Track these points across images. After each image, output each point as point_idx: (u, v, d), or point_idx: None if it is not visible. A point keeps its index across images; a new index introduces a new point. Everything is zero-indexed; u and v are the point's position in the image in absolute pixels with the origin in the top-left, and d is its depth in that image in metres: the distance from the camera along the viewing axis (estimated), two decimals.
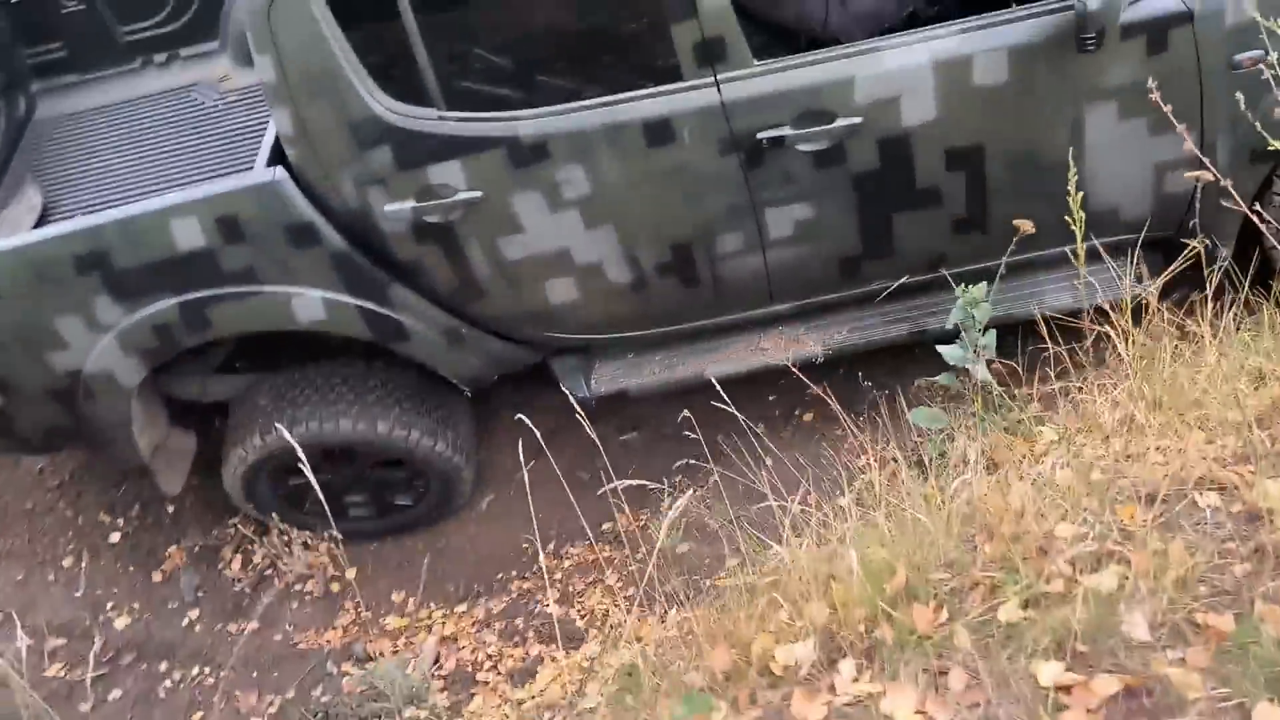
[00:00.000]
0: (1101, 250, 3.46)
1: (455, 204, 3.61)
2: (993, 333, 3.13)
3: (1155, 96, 2.98)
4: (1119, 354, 3.12)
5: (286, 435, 3.44)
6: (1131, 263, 3.65)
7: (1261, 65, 3.27)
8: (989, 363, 3.14)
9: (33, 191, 4.19)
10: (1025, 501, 2.41)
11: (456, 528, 4.60)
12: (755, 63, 3.41)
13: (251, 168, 3.97)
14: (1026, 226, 3.34)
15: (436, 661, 4.22)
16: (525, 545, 4.41)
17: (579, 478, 4.59)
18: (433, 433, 4.19)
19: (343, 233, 3.70)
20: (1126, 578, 2.23)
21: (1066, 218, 3.42)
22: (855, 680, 2.28)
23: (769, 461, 4.13)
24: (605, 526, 4.39)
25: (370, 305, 3.82)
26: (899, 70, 3.37)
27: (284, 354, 4.31)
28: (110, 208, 4.04)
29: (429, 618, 4.37)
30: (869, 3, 3.50)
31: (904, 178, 3.54)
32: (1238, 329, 3.09)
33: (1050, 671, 2.13)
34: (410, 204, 3.62)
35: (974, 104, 3.40)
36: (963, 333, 3.15)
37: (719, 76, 3.41)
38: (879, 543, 2.58)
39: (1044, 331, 3.27)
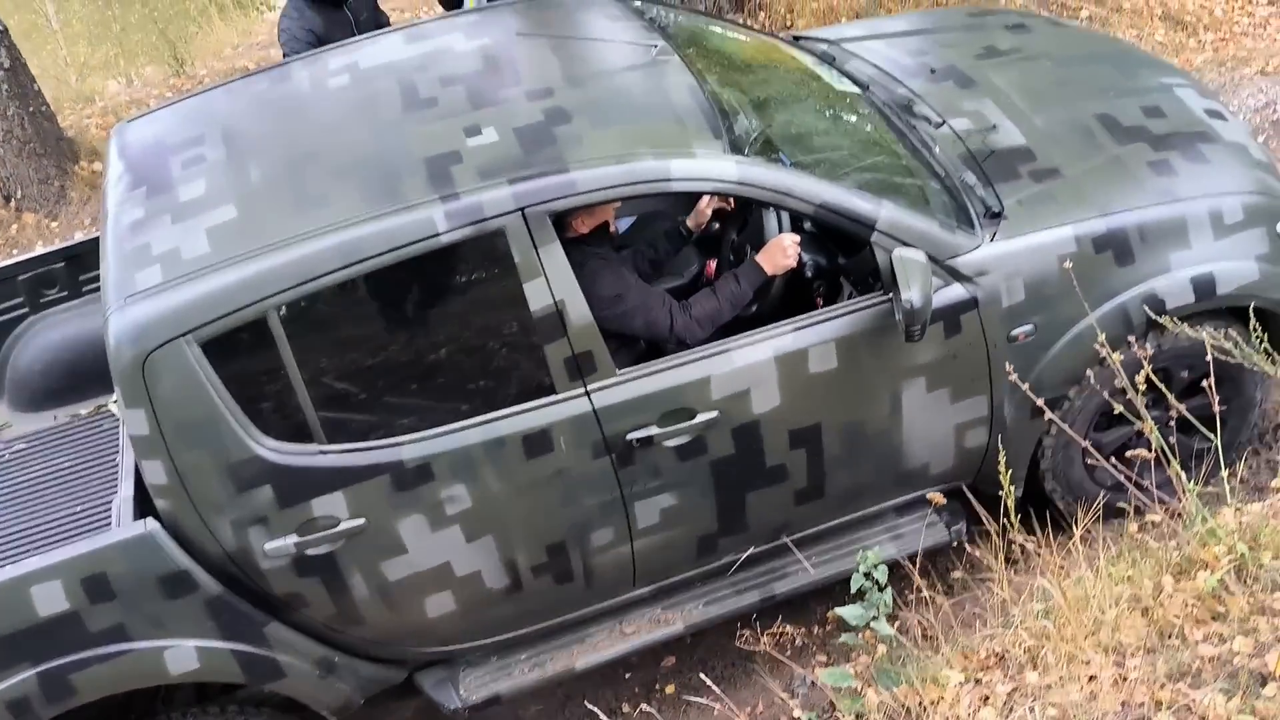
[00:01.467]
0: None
1: (338, 534, 3.64)
2: (889, 590, 3.48)
3: (1013, 377, 3.62)
4: (993, 590, 3.55)
5: None
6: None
7: (1032, 337, 3.96)
8: (889, 618, 3.48)
9: None
10: None
11: None
12: (619, 371, 3.73)
13: (94, 518, 3.87)
14: (938, 499, 3.78)
15: None
16: None
17: None
18: None
19: (217, 576, 3.63)
20: None
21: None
22: None
23: None
24: None
25: (246, 647, 3.72)
26: (747, 366, 3.77)
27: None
28: None
29: None
30: (708, 305, 3.91)
31: (755, 460, 3.90)
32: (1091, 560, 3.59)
33: None
34: (293, 539, 3.61)
35: (811, 389, 3.85)
36: (864, 593, 3.48)
37: (589, 387, 3.70)
38: None
39: (917, 581, 3.66)
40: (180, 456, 3.50)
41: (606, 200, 3.69)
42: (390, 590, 3.79)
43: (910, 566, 3.70)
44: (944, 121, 4.34)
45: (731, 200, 4.40)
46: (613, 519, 3.88)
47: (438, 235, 3.50)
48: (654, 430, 3.75)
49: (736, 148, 3.79)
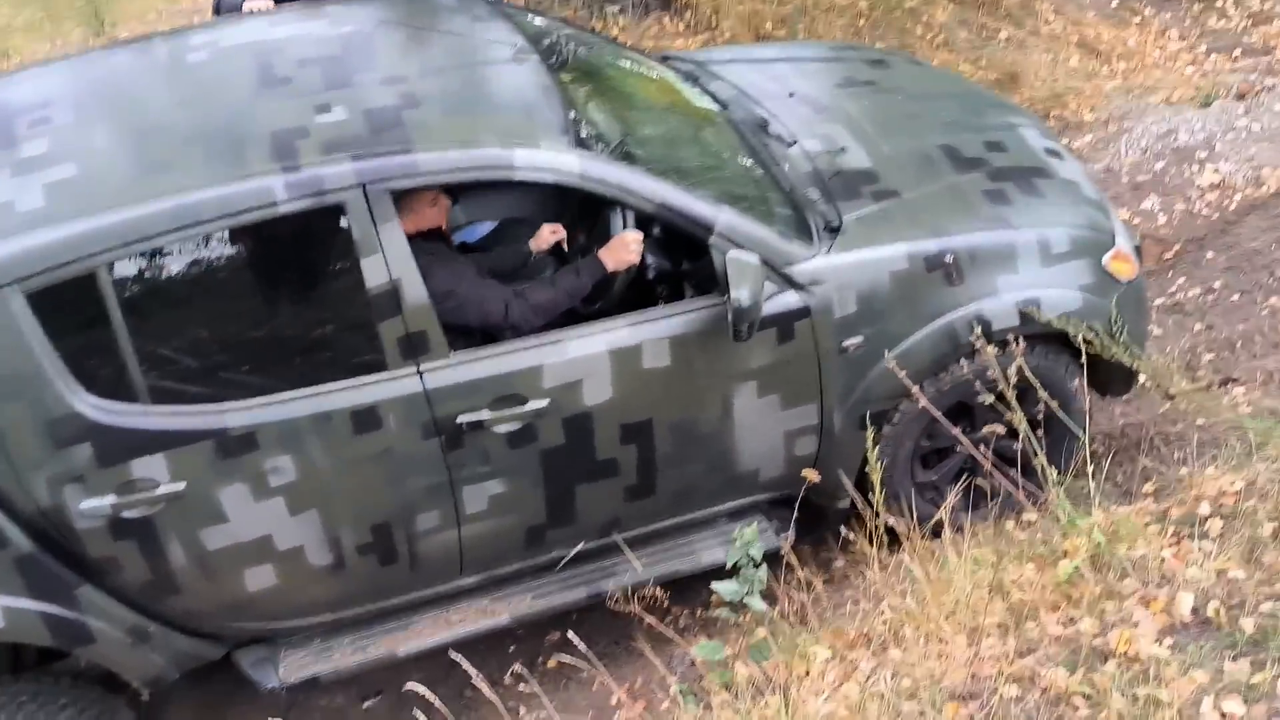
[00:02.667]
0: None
1: (157, 497, 3.62)
2: (765, 567, 3.53)
3: (891, 363, 3.83)
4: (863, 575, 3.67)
5: None
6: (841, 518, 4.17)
7: (862, 349, 4.07)
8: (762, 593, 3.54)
9: None
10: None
11: None
12: (452, 353, 3.77)
13: None
14: (813, 476, 3.85)
15: None
16: None
17: None
18: None
19: (30, 534, 3.59)
20: None
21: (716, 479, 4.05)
22: None
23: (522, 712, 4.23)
24: None
25: (54, 609, 3.67)
26: (580, 358, 3.84)
27: None
28: None
29: None
30: (545, 294, 3.98)
31: (585, 452, 3.96)
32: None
33: None
34: (109, 499, 3.58)
35: (643, 385, 3.92)
36: (740, 569, 3.53)
37: (421, 367, 3.74)
38: None
39: (794, 560, 3.76)
40: None
41: (449, 182, 3.76)
42: (208, 560, 3.76)
43: (790, 553, 3.79)
44: (795, 141, 4.48)
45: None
46: (440, 502, 3.91)
47: (275, 205, 3.53)
48: (484, 415, 3.80)
49: (584, 146, 3.88)
